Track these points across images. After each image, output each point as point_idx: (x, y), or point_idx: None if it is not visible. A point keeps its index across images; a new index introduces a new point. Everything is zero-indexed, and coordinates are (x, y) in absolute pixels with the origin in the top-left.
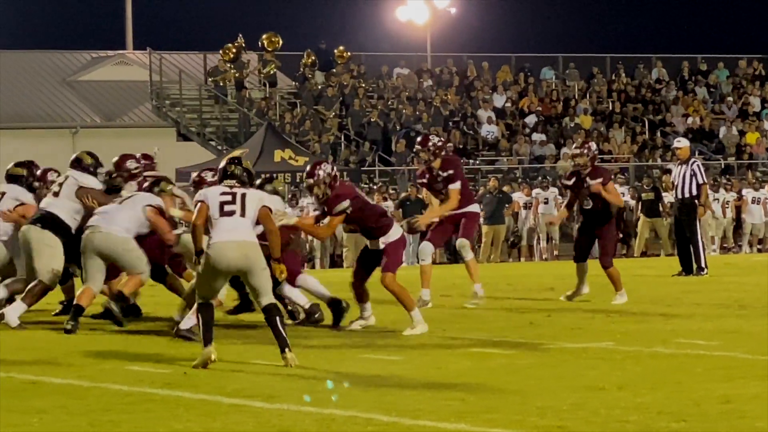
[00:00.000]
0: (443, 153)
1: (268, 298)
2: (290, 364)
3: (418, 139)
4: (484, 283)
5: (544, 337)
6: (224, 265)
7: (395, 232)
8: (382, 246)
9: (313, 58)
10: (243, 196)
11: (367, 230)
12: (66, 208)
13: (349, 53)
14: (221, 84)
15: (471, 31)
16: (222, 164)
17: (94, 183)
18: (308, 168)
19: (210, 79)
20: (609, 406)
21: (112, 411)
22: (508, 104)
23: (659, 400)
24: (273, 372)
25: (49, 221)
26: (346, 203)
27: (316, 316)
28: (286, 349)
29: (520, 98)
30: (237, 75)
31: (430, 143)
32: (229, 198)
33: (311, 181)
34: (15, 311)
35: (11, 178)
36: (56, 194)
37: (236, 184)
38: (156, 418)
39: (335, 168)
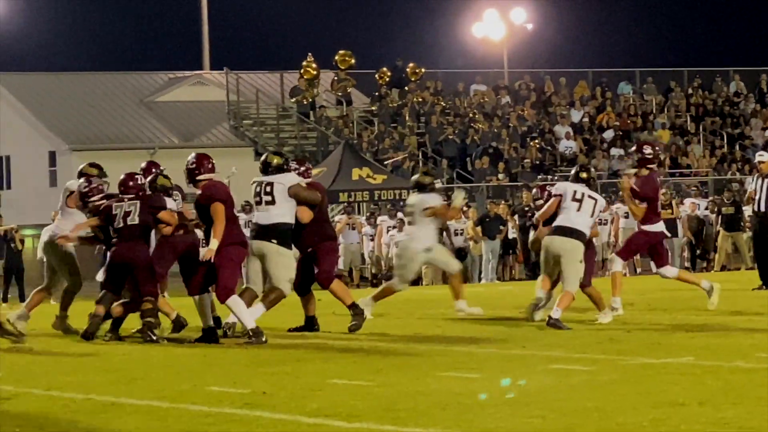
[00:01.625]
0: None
1: None
2: None
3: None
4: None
5: (624, 353)
6: None
7: None
8: None
9: (389, 75)
10: None
11: None
12: None
13: (422, 70)
14: (304, 102)
15: (547, 47)
16: None
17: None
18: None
19: (292, 99)
20: (689, 422)
21: None
22: (586, 119)
23: (740, 416)
24: (353, 391)
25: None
26: None
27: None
28: None
29: (597, 113)
30: (315, 94)
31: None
32: None
33: None
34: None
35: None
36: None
37: None
38: None
39: None
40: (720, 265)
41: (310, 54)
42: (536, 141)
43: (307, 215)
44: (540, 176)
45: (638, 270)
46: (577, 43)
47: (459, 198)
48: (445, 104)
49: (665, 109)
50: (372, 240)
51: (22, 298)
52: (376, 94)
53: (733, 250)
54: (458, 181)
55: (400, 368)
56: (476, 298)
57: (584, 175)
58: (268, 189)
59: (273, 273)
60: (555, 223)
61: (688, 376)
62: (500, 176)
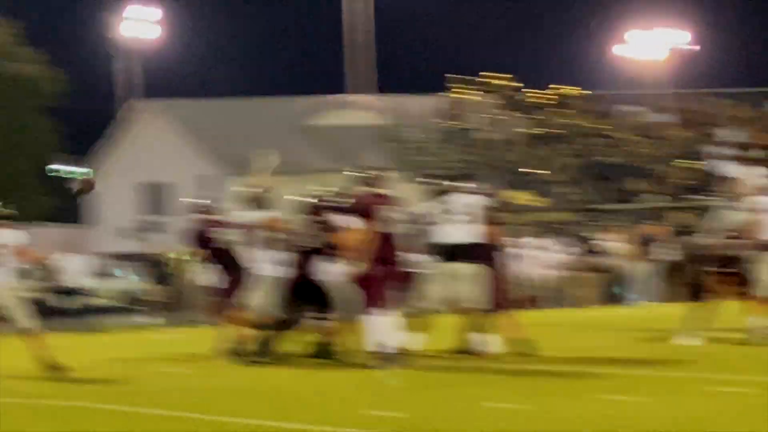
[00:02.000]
0: None
1: None
2: None
3: None
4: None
5: None
6: None
7: None
8: None
9: (552, 97)
10: None
11: None
12: None
13: (582, 92)
14: (464, 128)
15: (710, 68)
16: None
17: None
18: None
19: (449, 123)
20: None
21: None
22: (746, 140)
23: None
24: (509, 415)
25: None
26: None
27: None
28: None
29: (759, 133)
30: (472, 116)
31: None
32: None
33: None
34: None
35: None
36: None
37: None
38: None
39: None
40: None
41: (467, 77)
42: (695, 162)
43: (497, 234)
44: (698, 197)
45: None
46: (740, 63)
47: None
48: (605, 126)
49: None
50: (534, 263)
51: (183, 323)
52: (536, 117)
53: None
54: (619, 203)
55: (557, 391)
56: (632, 319)
57: None
58: (458, 208)
59: (473, 294)
60: None
61: None
62: (658, 197)
